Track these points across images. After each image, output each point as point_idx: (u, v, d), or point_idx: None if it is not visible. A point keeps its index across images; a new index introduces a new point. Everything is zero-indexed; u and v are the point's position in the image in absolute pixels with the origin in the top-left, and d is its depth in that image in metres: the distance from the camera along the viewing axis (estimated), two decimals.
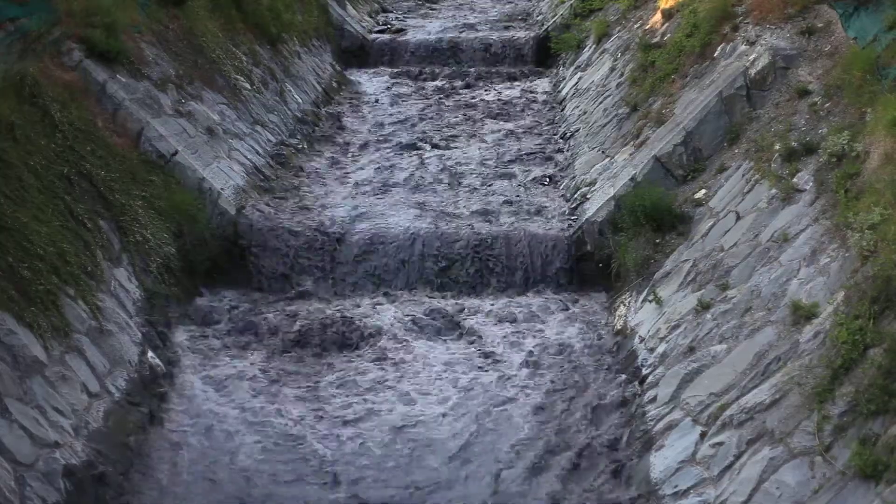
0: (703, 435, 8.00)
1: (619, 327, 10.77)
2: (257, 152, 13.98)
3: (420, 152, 15.32)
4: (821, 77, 10.82)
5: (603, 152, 13.80)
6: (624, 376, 9.77)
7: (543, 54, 20.57)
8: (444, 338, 10.81)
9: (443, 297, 11.72)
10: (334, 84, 19.04)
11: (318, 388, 9.82)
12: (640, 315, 10.47)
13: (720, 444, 7.75)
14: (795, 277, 8.66)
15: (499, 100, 18.15)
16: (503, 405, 9.49)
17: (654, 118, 13.08)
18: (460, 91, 18.75)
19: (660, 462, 8.12)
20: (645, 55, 14.73)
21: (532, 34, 21.59)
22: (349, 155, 15.29)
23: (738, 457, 7.50)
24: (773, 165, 10.24)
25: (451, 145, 15.63)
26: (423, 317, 11.19)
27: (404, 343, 10.66)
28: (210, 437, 8.91)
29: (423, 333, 10.88)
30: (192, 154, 12.31)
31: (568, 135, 15.64)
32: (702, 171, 11.72)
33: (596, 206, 12.23)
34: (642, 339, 10.03)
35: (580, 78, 17.53)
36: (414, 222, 12.55)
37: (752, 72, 11.76)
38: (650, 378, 9.30)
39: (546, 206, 13.08)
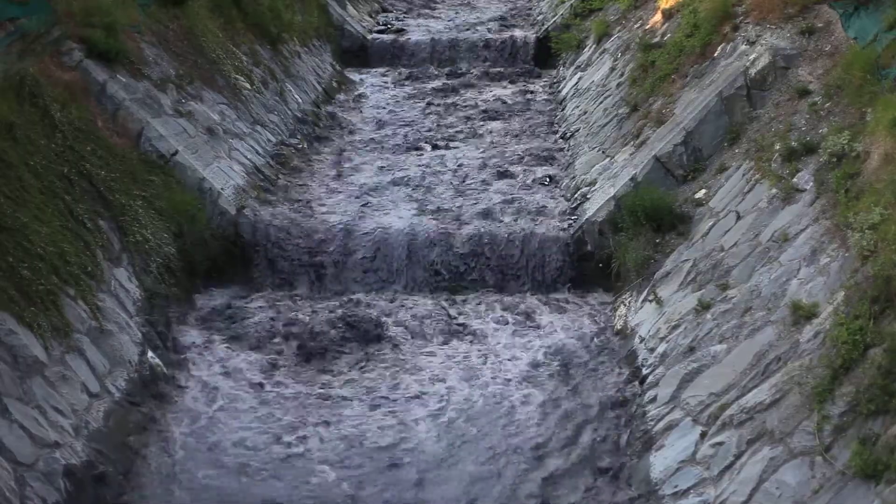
0: (703, 435, 8.00)
1: (619, 327, 10.77)
2: (257, 152, 13.97)
3: (420, 152, 15.32)
4: (821, 77, 10.82)
5: (603, 152, 13.79)
6: (624, 376, 9.78)
7: (543, 54, 20.55)
8: (442, 337, 10.81)
9: (443, 297, 11.71)
10: (334, 84, 19.04)
11: (319, 388, 9.81)
12: (640, 315, 10.47)
13: (720, 443, 7.75)
14: (795, 277, 8.66)
15: (499, 100, 18.15)
16: (502, 406, 9.48)
17: (655, 118, 13.08)
18: (460, 91, 18.74)
19: (660, 462, 8.12)
20: (645, 55, 14.73)
21: (532, 34, 21.59)
22: (350, 155, 15.29)
23: (738, 457, 7.50)
24: (774, 165, 10.24)
25: (452, 145, 15.63)
26: (424, 316, 11.19)
27: (405, 343, 10.67)
28: (210, 437, 8.91)
29: (423, 333, 10.88)
30: (192, 154, 12.30)
31: (568, 135, 15.63)
32: (702, 171, 11.72)
33: (596, 205, 12.23)
34: (642, 339, 10.03)
35: (580, 78, 17.53)
36: (414, 222, 12.54)
37: (753, 72, 11.76)
38: (650, 378, 9.31)
39: (546, 206, 13.07)
